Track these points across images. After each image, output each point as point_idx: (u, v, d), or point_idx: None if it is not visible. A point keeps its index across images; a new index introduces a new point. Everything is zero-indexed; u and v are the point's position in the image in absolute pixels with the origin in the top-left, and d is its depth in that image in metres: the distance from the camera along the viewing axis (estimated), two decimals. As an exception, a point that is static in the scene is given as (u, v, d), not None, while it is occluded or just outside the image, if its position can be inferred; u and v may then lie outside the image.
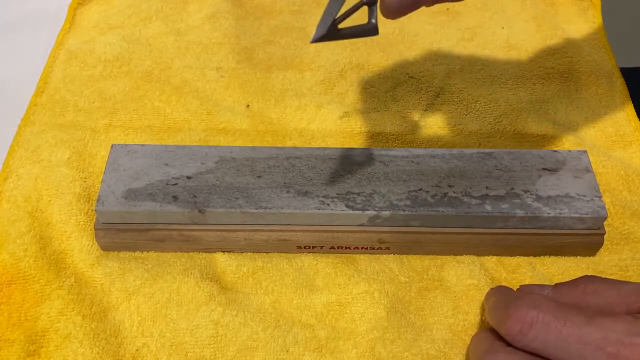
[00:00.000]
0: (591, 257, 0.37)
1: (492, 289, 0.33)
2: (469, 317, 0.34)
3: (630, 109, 0.45)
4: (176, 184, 0.35)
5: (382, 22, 0.50)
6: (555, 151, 0.37)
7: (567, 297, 0.30)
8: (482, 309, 0.34)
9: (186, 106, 0.45)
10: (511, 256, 0.37)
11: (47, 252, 0.36)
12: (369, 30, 0.28)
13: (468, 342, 0.33)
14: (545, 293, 0.31)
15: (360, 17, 0.28)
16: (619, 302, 0.28)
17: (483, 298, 0.34)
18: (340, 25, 0.27)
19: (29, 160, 0.41)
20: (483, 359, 0.28)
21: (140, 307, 0.34)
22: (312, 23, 0.51)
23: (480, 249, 0.36)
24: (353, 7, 0.27)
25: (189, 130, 0.43)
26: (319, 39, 0.26)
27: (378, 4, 0.28)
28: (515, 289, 0.33)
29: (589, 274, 0.32)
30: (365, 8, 0.28)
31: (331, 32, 0.26)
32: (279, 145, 0.42)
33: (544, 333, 0.26)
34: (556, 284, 0.31)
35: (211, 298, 0.34)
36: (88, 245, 0.36)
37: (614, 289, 0.28)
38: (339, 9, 0.27)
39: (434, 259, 0.37)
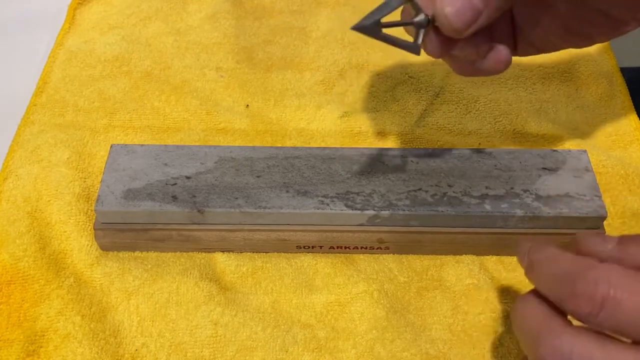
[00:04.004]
0: (591, 257, 0.37)
1: (532, 243, 0.27)
2: (468, 317, 0.34)
3: (630, 108, 0.44)
4: (175, 183, 0.35)
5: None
6: (555, 151, 0.37)
7: (637, 256, 0.25)
8: (484, 308, 0.34)
9: (186, 106, 0.45)
10: (511, 256, 0.37)
11: (47, 252, 0.36)
12: (412, 47, 0.28)
13: (467, 341, 0.33)
14: (608, 249, 0.26)
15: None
16: None
17: (520, 257, 0.28)
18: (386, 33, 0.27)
19: (29, 160, 0.41)
20: (541, 341, 0.24)
21: (139, 307, 0.34)
22: (312, 23, 0.51)
23: (479, 249, 0.36)
24: (403, 21, 0.27)
25: (189, 130, 0.43)
26: (359, 28, 0.26)
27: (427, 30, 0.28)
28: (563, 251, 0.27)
29: None
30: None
31: (374, 28, 0.27)
32: (279, 145, 0.42)
33: (618, 312, 0.23)
34: (621, 238, 0.26)
35: (210, 298, 0.34)
36: (87, 245, 0.36)
37: None
38: (388, 13, 0.27)
39: (433, 258, 0.37)
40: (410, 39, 0.28)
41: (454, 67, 0.31)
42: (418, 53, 0.28)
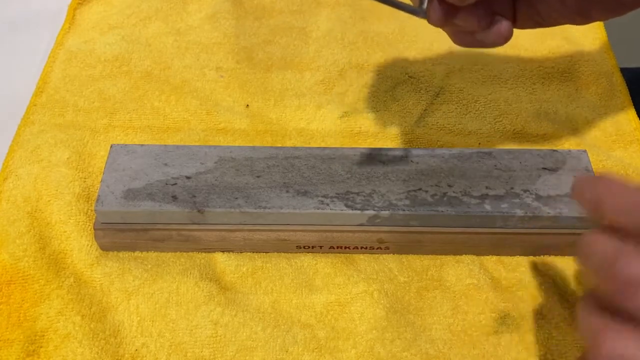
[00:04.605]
0: (591, 257, 0.37)
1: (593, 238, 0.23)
2: (468, 317, 0.34)
3: (630, 108, 0.44)
4: (175, 183, 0.35)
5: (383, 22, 0.51)
6: (554, 151, 0.37)
7: None
8: (484, 308, 0.34)
9: (186, 106, 0.45)
10: (511, 256, 0.37)
11: (47, 252, 0.36)
12: (417, 11, 0.28)
13: (467, 341, 0.33)
14: None
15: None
16: None
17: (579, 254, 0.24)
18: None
19: (29, 160, 0.41)
20: (602, 344, 0.21)
21: (139, 307, 0.34)
22: (312, 23, 0.51)
23: (479, 249, 0.36)
24: None
25: (189, 130, 0.43)
26: None
27: None
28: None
29: None
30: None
31: None
32: (279, 145, 0.42)
33: None
34: None
35: (210, 298, 0.34)
36: (87, 245, 0.36)
37: None
38: None
39: (433, 258, 0.37)
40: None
41: (455, 38, 0.32)
42: (424, 17, 0.29)
